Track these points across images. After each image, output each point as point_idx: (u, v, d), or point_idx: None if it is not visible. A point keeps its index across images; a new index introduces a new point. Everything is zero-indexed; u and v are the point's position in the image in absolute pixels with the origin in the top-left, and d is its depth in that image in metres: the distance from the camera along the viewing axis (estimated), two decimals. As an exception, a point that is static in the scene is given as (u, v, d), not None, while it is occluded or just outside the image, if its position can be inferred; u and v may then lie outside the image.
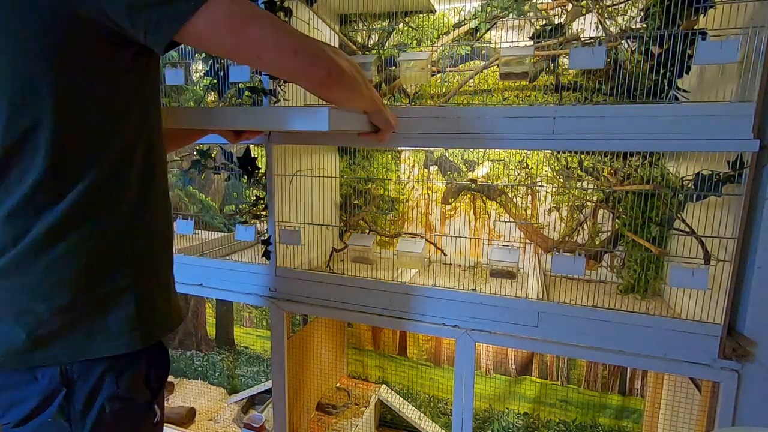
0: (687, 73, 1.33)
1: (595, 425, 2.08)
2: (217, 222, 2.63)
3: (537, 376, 2.15)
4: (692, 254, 1.37)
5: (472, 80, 1.93)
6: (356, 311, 1.70)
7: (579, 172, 1.91)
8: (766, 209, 1.22)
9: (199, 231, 2.45)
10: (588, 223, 1.92)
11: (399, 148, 2.19)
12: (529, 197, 2.03)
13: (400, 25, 2.07)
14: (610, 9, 1.74)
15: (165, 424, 2.21)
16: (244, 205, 1.98)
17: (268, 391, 2.48)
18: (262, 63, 0.91)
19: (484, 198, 2.10)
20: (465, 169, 2.11)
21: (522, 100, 1.94)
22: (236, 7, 0.79)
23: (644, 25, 1.43)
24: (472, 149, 2.07)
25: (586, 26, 1.75)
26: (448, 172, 2.14)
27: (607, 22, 1.74)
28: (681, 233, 1.45)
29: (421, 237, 1.86)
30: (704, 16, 1.34)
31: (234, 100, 1.93)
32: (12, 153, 0.76)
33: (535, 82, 1.88)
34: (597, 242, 1.92)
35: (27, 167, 0.77)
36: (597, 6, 1.67)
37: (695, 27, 1.32)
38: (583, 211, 1.93)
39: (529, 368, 2.16)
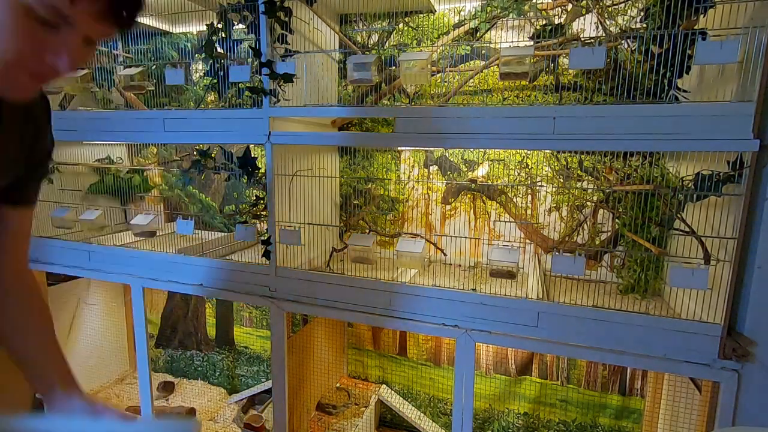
0: (687, 73, 1.33)
1: (595, 425, 2.08)
2: (217, 222, 2.63)
3: (537, 376, 2.15)
4: (692, 254, 1.37)
5: (472, 80, 1.93)
6: (356, 311, 1.70)
7: (579, 172, 1.91)
8: (766, 209, 1.22)
9: (199, 231, 2.46)
10: (588, 223, 1.92)
11: (399, 148, 2.19)
12: (529, 197, 2.03)
13: (400, 25, 2.07)
14: (610, 9, 1.74)
15: (165, 424, 2.21)
16: (244, 205, 1.98)
17: (268, 391, 2.48)
18: None
19: (484, 198, 2.10)
20: (465, 169, 2.11)
21: (522, 100, 1.94)
22: None
23: (644, 25, 1.43)
24: (472, 149, 2.07)
25: (586, 26, 1.75)
26: (448, 172, 2.14)
27: (607, 22, 1.74)
28: (681, 233, 1.45)
29: (421, 237, 1.86)
30: (704, 16, 1.34)
31: (234, 99, 1.93)
32: None
33: (535, 82, 1.88)
34: (597, 242, 1.91)
35: None
36: (597, 6, 1.67)
37: (695, 27, 1.32)
38: (583, 211, 1.93)
39: (529, 368, 2.16)
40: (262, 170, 1.77)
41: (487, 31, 1.93)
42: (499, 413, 2.22)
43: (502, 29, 1.92)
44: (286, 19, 1.65)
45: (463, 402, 1.58)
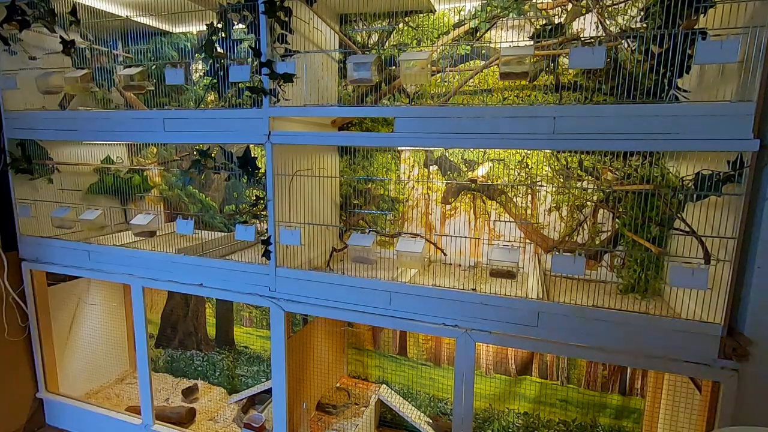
0: (687, 72, 1.33)
1: (595, 425, 2.08)
2: (217, 222, 2.63)
3: (537, 376, 2.15)
4: (692, 254, 1.37)
5: (472, 80, 1.93)
6: (356, 311, 1.70)
7: (579, 172, 1.91)
8: (766, 209, 1.22)
9: (199, 231, 2.46)
10: (588, 223, 1.92)
11: (399, 148, 2.19)
12: (529, 197, 2.03)
13: (400, 25, 2.07)
14: (610, 9, 1.74)
15: (165, 424, 2.21)
16: (244, 205, 1.98)
17: (268, 391, 2.48)
18: None
19: (484, 198, 2.10)
20: (465, 169, 2.11)
21: (522, 100, 1.94)
22: None
23: (644, 25, 1.43)
24: (472, 149, 2.07)
25: (586, 26, 1.75)
26: (448, 172, 2.14)
27: (607, 22, 1.73)
28: (681, 233, 1.45)
29: (421, 237, 1.86)
30: (704, 16, 1.34)
31: (234, 99, 1.93)
32: None
33: (535, 82, 1.88)
34: (597, 242, 1.91)
35: None
36: (597, 6, 1.67)
37: (695, 27, 1.32)
38: (583, 211, 1.93)
39: (529, 368, 2.16)
40: (262, 170, 1.77)
41: (487, 30, 1.93)
42: (499, 413, 2.22)
43: (502, 29, 1.92)
44: (286, 19, 1.65)
45: (463, 402, 1.59)
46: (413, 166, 2.20)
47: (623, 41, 1.52)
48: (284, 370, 1.84)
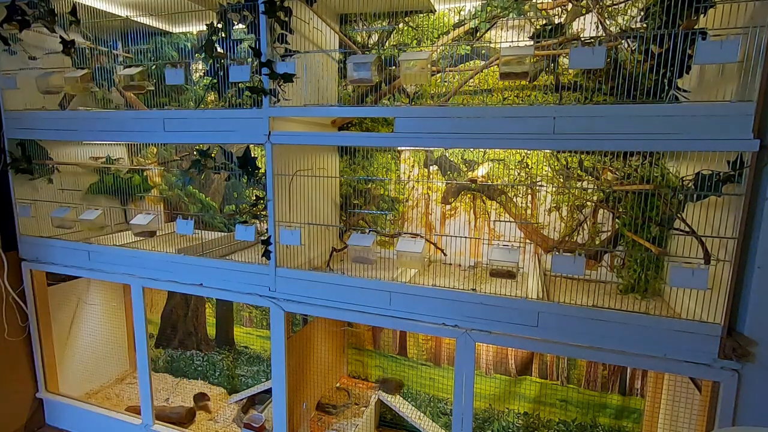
0: (687, 72, 1.33)
1: (595, 425, 2.08)
2: (217, 222, 2.63)
3: (537, 376, 2.15)
4: (692, 254, 1.37)
5: (472, 80, 1.93)
6: (356, 311, 1.70)
7: (579, 172, 1.91)
8: (766, 209, 1.22)
9: (199, 231, 2.46)
10: (588, 223, 1.92)
11: (399, 148, 2.19)
12: (529, 197, 2.03)
13: (400, 25, 2.07)
14: (610, 9, 1.74)
15: (165, 424, 2.21)
16: (244, 205, 1.98)
17: (268, 391, 2.48)
18: None
19: (484, 198, 2.10)
20: (465, 169, 2.11)
21: (522, 100, 1.94)
22: None
23: (644, 25, 1.43)
24: (472, 149, 2.07)
25: (586, 26, 1.75)
26: (448, 172, 2.14)
27: (607, 22, 1.73)
28: (681, 233, 1.45)
29: (421, 237, 1.86)
30: (704, 16, 1.34)
31: (234, 99, 1.93)
32: None
33: (535, 82, 1.88)
34: (597, 242, 1.91)
35: None
36: (597, 6, 1.67)
37: (695, 27, 1.32)
38: (583, 211, 1.93)
39: (529, 368, 2.16)
40: (262, 170, 1.77)
41: (487, 30, 1.93)
42: (499, 413, 2.22)
43: (502, 29, 1.92)
44: (286, 19, 1.65)
45: (463, 402, 1.59)
46: (413, 166, 2.20)
47: (623, 41, 1.52)
48: (284, 370, 1.84)
